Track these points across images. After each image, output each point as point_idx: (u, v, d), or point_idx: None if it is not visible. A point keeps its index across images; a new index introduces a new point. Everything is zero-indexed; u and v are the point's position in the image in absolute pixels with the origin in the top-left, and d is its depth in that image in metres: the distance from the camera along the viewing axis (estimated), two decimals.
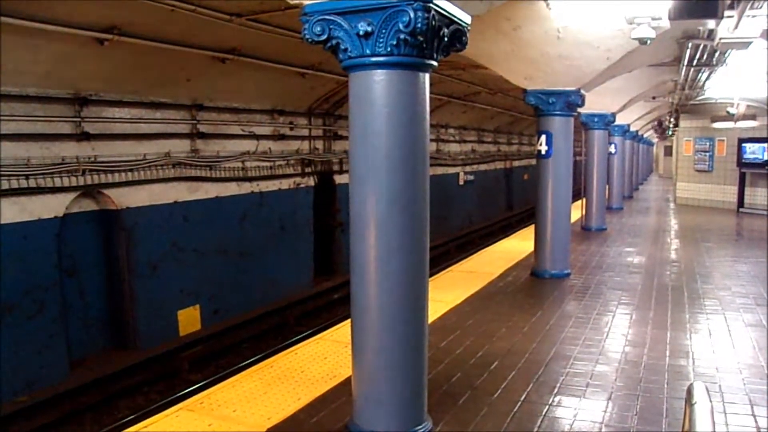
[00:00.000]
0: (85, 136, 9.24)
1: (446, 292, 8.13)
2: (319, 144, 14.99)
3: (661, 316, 7.26)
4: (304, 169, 14.45)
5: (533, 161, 10.49)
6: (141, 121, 10.23)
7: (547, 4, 7.01)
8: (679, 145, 22.42)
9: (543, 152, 9.02)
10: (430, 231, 4.22)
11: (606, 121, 14.57)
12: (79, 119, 9.18)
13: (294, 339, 11.05)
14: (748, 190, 18.94)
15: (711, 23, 7.25)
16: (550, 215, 9.23)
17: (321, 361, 5.63)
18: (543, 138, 8.99)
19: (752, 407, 4.78)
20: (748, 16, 6.30)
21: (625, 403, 4.83)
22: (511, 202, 30.53)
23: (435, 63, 3.98)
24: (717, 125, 20.04)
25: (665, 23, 6.91)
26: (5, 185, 8.31)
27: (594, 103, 11.99)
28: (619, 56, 7.94)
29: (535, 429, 4.41)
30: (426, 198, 4.14)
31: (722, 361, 5.78)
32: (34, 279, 8.72)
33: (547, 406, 4.78)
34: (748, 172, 18.83)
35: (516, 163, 31.00)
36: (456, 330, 6.71)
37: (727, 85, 14.44)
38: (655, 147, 46.36)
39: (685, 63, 10.22)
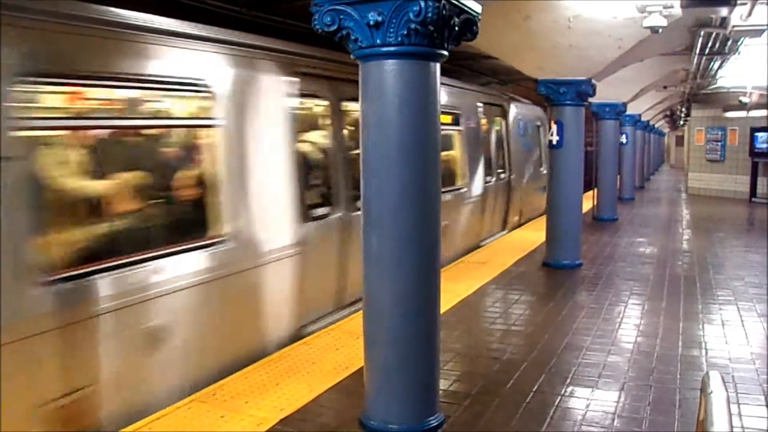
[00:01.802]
0: None
1: (458, 283, 8.12)
2: None
3: (673, 306, 7.22)
4: None
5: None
6: None
7: None
8: (691, 134, 22.28)
9: (554, 142, 8.98)
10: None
11: (617, 111, 14.49)
12: None
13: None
14: (760, 180, 18.81)
15: (723, 11, 7.18)
16: (561, 205, 9.20)
17: (333, 352, 5.63)
18: (554, 128, 8.95)
19: (766, 398, 4.75)
20: (762, 3, 6.24)
21: (638, 394, 4.82)
22: None
23: (446, 53, 3.96)
24: (729, 114, 19.88)
25: (677, 11, 6.84)
26: None
27: (605, 93, 11.91)
28: (631, 45, 7.87)
29: (548, 420, 4.40)
30: (438, 188, 4.13)
31: (735, 352, 5.74)
32: None
33: (559, 397, 4.77)
34: (761, 161, 18.69)
35: None
36: (467, 321, 6.70)
37: (739, 74, 14.31)
38: (666, 137, 46.07)
39: (697, 52, 10.13)
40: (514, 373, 5.22)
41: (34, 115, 3.96)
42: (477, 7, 4.12)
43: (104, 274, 4.24)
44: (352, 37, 3.84)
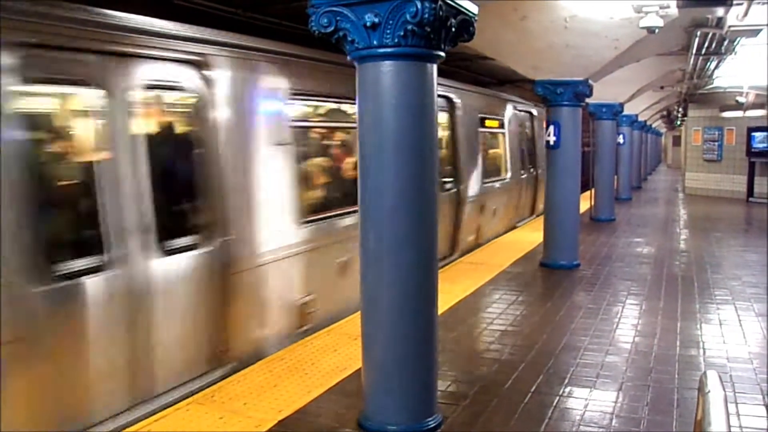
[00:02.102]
0: None
1: (455, 284, 8.12)
2: None
3: (671, 306, 7.23)
4: None
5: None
6: None
7: None
8: (688, 134, 22.29)
9: (551, 143, 8.99)
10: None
11: (614, 111, 14.49)
12: None
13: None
14: (757, 180, 18.83)
15: (720, 11, 7.18)
16: (559, 206, 9.20)
17: (331, 353, 5.63)
18: (551, 128, 8.95)
19: (764, 397, 4.76)
20: (758, 3, 6.24)
21: (636, 394, 4.82)
22: None
23: (442, 53, 3.96)
24: (726, 114, 19.90)
25: (673, 11, 6.85)
26: None
27: (602, 93, 11.92)
28: (627, 45, 7.89)
29: (546, 420, 4.40)
30: (435, 189, 4.13)
31: (733, 351, 5.75)
32: None
33: (557, 397, 4.77)
34: (758, 161, 18.71)
35: None
36: (465, 322, 6.70)
37: (736, 74, 14.33)
38: (663, 137, 46.11)
39: (694, 52, 10.13)
40: (512, 374, 5.22)
41: (295, 117, 6.43)
42: (473, 8, 4.12)
43: (321, 221, 6.64)
44: (349, 39, 3.84)
